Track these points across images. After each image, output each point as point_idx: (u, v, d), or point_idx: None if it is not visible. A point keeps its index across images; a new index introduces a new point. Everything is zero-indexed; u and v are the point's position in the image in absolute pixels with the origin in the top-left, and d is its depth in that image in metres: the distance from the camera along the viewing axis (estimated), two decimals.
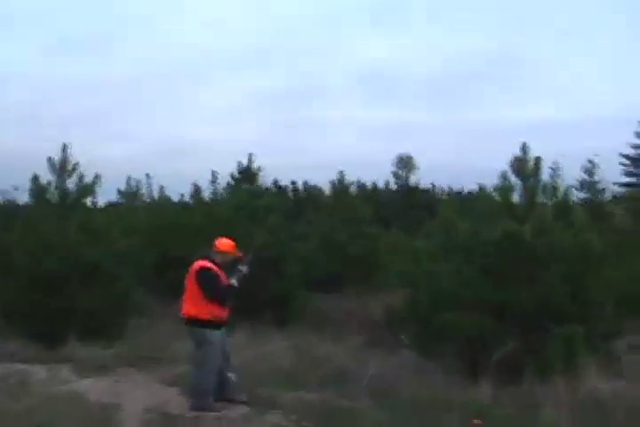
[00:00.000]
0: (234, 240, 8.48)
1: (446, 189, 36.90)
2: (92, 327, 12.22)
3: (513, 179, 10.13)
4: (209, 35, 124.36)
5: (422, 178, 35.07)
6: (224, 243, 8.38)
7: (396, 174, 33.79)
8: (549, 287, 9.15)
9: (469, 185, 32.70)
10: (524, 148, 10.08)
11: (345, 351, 11.23)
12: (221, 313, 8.13)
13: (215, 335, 8.10)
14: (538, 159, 9.99)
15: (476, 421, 7.58)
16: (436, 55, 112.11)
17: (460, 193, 35.06)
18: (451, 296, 9.64)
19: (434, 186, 36.36)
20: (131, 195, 22.64)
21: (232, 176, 15.96)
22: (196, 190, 19.48)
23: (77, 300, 12.20)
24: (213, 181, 20.91)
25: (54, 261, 12.13)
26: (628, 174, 52.50)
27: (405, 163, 34.58)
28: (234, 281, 8.17)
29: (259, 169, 15.78)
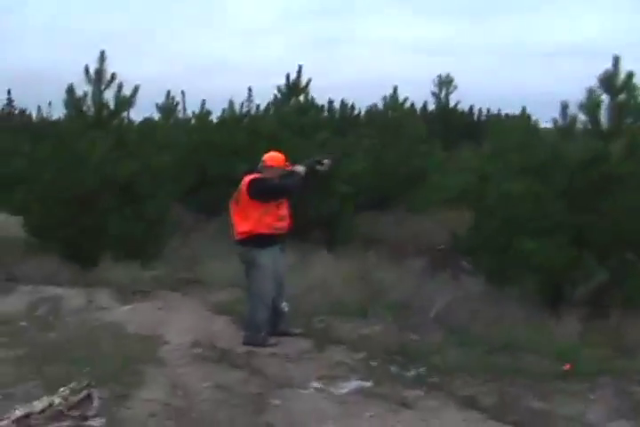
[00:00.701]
0: (282, 154, 7.59)
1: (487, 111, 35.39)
2: (127, 247, 11.47)
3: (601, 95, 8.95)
4: None
5: (462, 100, 33.65)
6: (273, 157, 7.49)
7: (435, 95, 32.19)
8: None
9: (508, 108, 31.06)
10: (616, 61, 8.82)
11: (404, 277, 10.35)
12: (281, 224, 7.32)
13: (266, 257, 7.26)
14: (630, 75, 8.75)
15: (566, 366, 6.67)
16: None
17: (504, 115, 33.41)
18: (527, 221, 8.61)
19: (471, 108, 34.70)
20: (169, 110, 21.51)
21: (279, 89, 14.77)
22: (231, 106, 18.32)
23: (111, 219, 11.38)
24: (250, 97, 19.75)
25: (86, 176, 11.25)
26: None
27: (445, 83, 32.91)
28: (299, 167, 7.39)
29: (308, 83, 14.62)
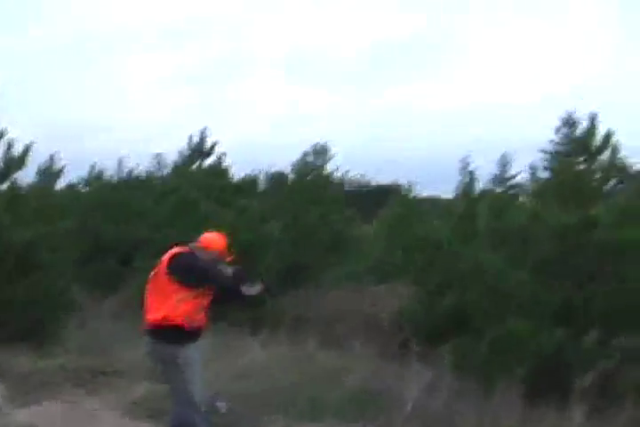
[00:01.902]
0: (225, 238, 6.20)
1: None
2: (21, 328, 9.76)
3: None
4: (127, 9, 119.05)
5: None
6: (213, 239, 6.12)
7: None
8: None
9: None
10: (593, 120, 8.00)
11: (352, 363, 8.99)
12: (199, 317, 5.89)
13: (188, 353, 5.82)
14: (608, 134, 7.95)
15: None
16: (364, 37, 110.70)
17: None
18: (509, 299, 7.53)
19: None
20: (53, 174, 19.61)
21: (182, 154, 13.41)
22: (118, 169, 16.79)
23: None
24: (158, 162, 18.28)
25: None
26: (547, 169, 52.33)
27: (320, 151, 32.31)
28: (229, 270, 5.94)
29: (214, 145, 13.34)
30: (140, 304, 10.07)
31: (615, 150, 7.74)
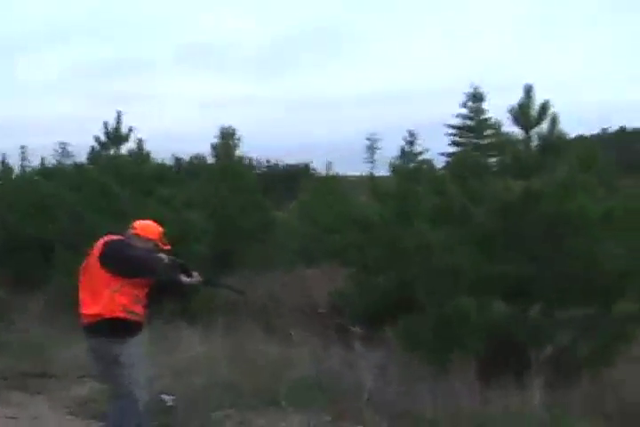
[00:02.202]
0: (159, 226, 5.84)
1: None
2: None
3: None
4: (34, 5, 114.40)
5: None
6: (148, 226, 5.77)
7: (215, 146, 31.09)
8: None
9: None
10: (529, 92, 7.87)
11: (294, 350, 8.74)
12: (138, 308, 5.55)
13: (127, 350, 5.48)
14: (545, 104, 7.84)
15: None
16: (267, 28, 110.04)
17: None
18: (455, 275, 7.39)
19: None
20: None
21: (98, 140, 12.74)
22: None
23: None
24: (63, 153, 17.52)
25: None
26: (453, 144, 53.05)
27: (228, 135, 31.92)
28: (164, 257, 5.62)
29: (130, 131, 12.73)
30: (68, 299, 9.58)
31: (555, 121, 7.64)
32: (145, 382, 5.68)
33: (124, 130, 12.77)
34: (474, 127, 50.99)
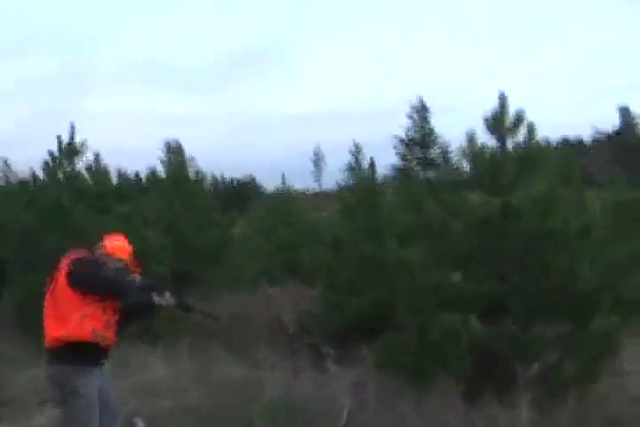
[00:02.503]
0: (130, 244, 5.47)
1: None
2: None
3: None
4: None
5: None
6: (118, 245, 5.38)
7: (164, 163, 30.70)
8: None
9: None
10: (503, 101, 7.73)
11: (265, 374, 8.42)
12: (108, 333, 5.15)
13: (90, 381, 5.07)
14: (519, 114, 7.71)
15: None
16: (210, 47, 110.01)
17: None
18: (433, 293, 7.19)
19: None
20: None
21: (51, 154, 12.23)
22: None
23: None
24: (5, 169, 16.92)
25: None
26: (401, 158, 53.27)
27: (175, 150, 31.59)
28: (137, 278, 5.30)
29: (83, 144, 12.26)
30: (19, 321, 9.07)
31: (532, 129, 7.51)
32: (103, 415, 5.16)
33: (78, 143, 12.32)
34: (420, 140, 51.35)
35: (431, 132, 51.57)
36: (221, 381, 8.17)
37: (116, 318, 5.25)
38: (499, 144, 7.71)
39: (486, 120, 7.69)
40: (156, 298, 5.27)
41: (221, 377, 8.30)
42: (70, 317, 4.99)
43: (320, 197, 39.84)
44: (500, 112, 7.67)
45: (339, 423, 6.59)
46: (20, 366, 8.97)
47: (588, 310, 6.92)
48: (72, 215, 10.53)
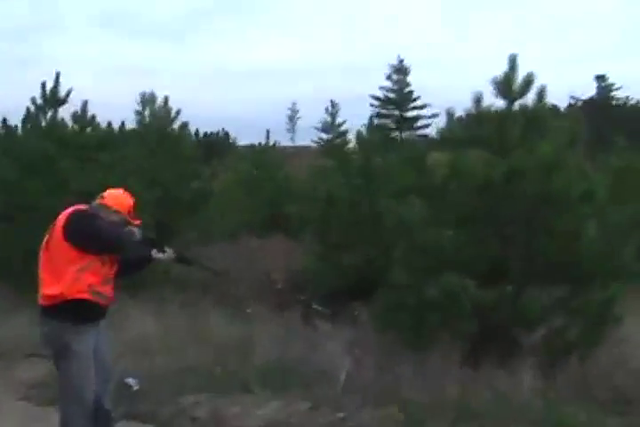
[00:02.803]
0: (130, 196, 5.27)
1: None
2: None
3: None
4: None
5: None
6: (118, 197, 5.18)
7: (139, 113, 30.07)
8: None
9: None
10: (513, 63, 7.51)
11: (258, 329, 8.28)
12: (106, 289, 4.98)
13: (84, 340, 4.90)
14: (529, 76, 7.49)
15: None
16: None
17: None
18: (435, 254, 7.08)
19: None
20: None
21: (34, 102, 11.78)
22: None
23: None
24: None
25: None
26: (378, 116, 53.09)
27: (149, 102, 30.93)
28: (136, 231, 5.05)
29: (69, 93, 11.83)
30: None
31: (542, 93, 7.32)
32: (96, 376, 4.98)
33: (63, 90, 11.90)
34: (397, 100, 51.12)
35: (410, 92, 51.32)
36: (214, 338, 8.03)
37: (114, 273, 5.07)
38: (507, 106, 7.51)
39: (495, 82, 7.46)
40: (154, 252, 5.11)
41: (212, 333, 8.16)
42: (66, 271, 4.81)
43: (296, 153, 39.54)
44: (510, 73, 7.46)
45: (337, 385, 6.48)
46: (4, 318, 8.81)
47: (591, 275, 6.85)
48: (56, 164, 10.21)
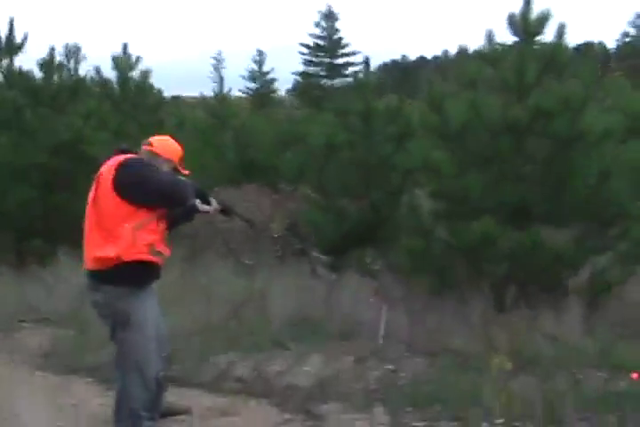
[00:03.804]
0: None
1: None
2: None
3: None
4: None
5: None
6: (169, 145, 4.60)
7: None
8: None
9: None
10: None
11: (265, 282, 7.97)
12: (164, 247, 4.42)
13: (146, 305, 4.38)
14: (545, 12, 7.25)
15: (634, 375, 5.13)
16: None
17: None
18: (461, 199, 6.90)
19: None
20: None
21: None
22: None
23: None
24: None
25: None
26: (307, 64, 52.29)
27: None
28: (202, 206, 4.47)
29: (25, 38, 10.99)
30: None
31: (562, 30, 7.11)
32: (157, 345, 4.47)
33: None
34: (327, 47, 50.36)
35: (339, 39, 50.51)
36: (222, 293, 7.69)
37: (166, 228, 4.51)
38: (523, 44, 7.28)
39: (510, 18, 7.22)
40: (201, 205, 4.66)
41: (220, 289, 7.81)
42: (120, 231, 4.21)
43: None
44: (526, 10, 7.22)
45: (376, 336, 6.28)
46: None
47: (619, 215, 6.78)
48: (26, 116, 9.58)
